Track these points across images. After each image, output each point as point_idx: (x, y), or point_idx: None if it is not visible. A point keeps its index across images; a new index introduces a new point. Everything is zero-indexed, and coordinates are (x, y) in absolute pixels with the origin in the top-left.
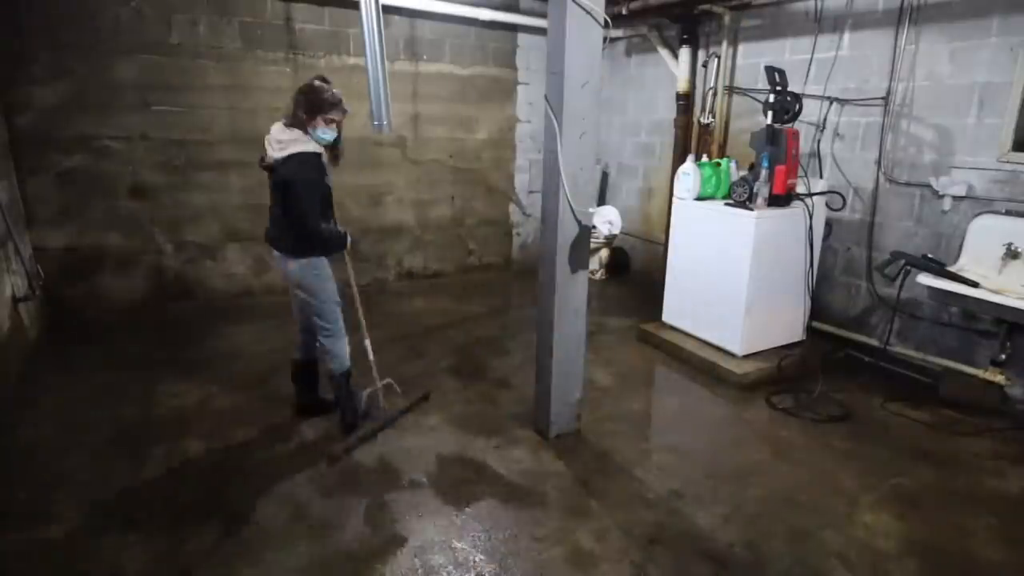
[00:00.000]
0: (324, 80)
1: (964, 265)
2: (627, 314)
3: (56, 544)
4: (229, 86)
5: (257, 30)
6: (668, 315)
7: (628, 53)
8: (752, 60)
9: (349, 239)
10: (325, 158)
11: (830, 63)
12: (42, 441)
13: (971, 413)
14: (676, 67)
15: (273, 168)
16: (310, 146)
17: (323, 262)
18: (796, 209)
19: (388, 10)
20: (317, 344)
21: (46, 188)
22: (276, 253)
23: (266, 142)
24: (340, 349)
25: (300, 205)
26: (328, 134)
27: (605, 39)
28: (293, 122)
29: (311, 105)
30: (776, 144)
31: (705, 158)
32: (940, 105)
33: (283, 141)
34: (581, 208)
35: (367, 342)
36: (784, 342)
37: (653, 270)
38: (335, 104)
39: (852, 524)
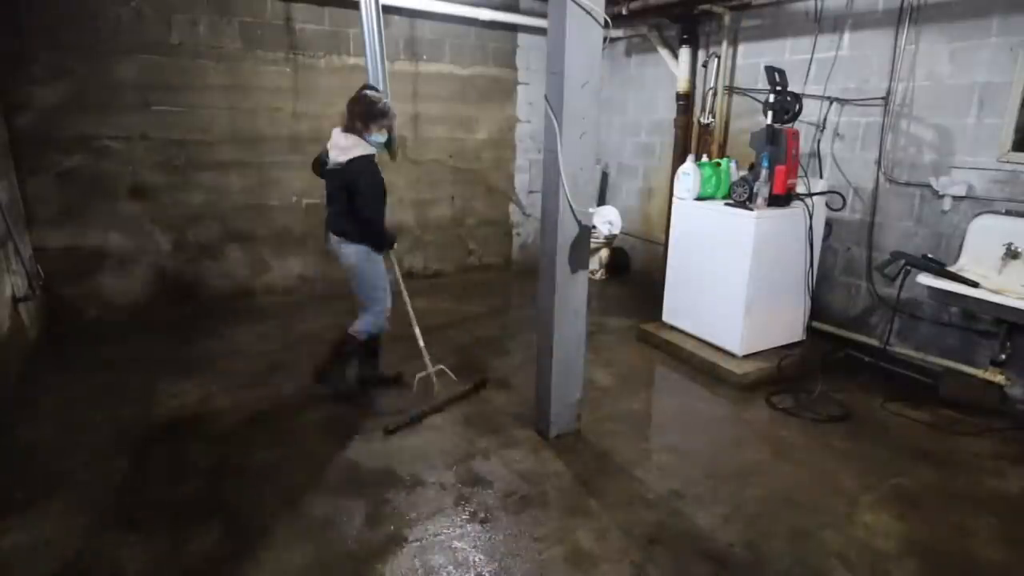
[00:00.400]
0: (373, 88)
1: (964, 265)
2: (627, 314)
3: (56, 544)
4: (229, 86)
5: (257, 30)
6: (668, 315)
7: (628, 53)
8: (752, 60)
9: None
10: (377, 158)
11: (830, 63)
12: (42, 441)
13: (971, 413)
14: (676, 67)
15: (336, 171)
16: (368, 149)
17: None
18: (796, 209)
19: (388, 10)
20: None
21: (46, 188)
22: (335, 239)
23: (329, 147)
24: (367, 324)
25: (367, 202)
26: (381, 137)
27: (605, 39)
28: (351, 129)
29: (366, 115)
30: (776, 144)
31: (705, 158)
32: (940, 105)
33: (345, 147)
34: (581, 208)
35: (416, 330)
36: (784, 342)
37: (653, 270)
38: (386, 113)
39: (852, 524)
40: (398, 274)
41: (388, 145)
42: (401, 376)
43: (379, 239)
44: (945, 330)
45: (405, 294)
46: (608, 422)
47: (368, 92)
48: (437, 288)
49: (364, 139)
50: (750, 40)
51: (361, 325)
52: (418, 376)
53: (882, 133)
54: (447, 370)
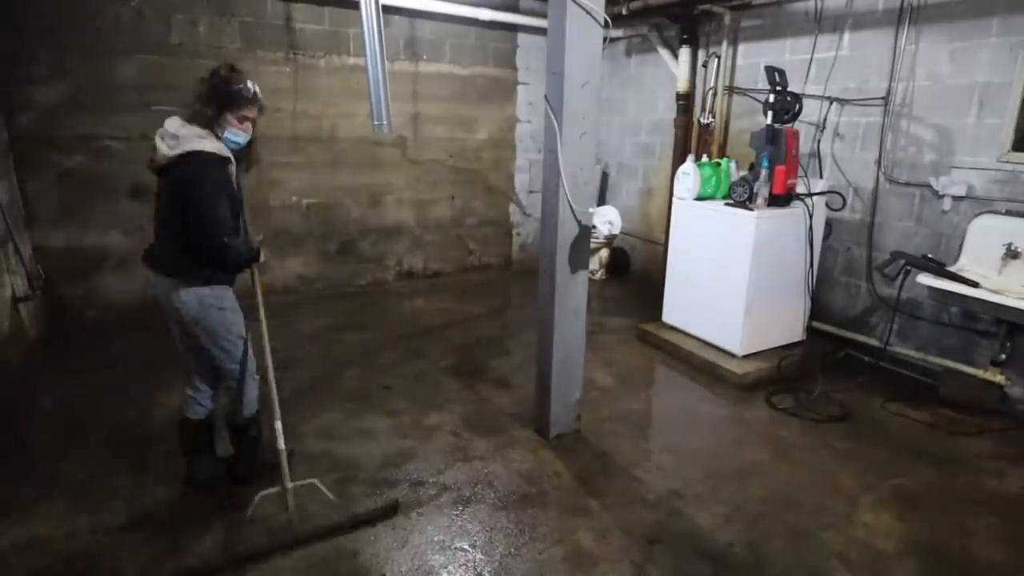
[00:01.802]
0: (234, 69)
1: (964, 265)
2: (627, 314)
3: (56, 543)
4: None
5: (257, 30)
6: (668, 315)
7: (628, 53)
8: (752, 60)
9: (262, 254)
10: (233, 164)
11: (830, 63)
12: (42, 441)
13: (971, 413)
14: (676, 67)
15: (164, 169)
16: (214, 145)
17: (228, 292)
18: (796, 209)
19: (388, 10)
20: (220, 390)
21: (46, 188)
22: (155, 277)
23: (158, 137)
24: (252, 390)
25: (203, 213)
26: (240, 136)
27: (605, 39)
28: (194, 118)
29: (221, 99)
30: (776, 144)
31: (705, 158)
32: (940, 105)
33: (179, 137)
34: (581, 208)
35: (278, 424)
36: (784, 342)
37: (653, 270)
38: (249, 99)
39: (852, 524)
40: (261, 314)
41: (248, 147)
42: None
43: (232, 263)
44: (945, 330)
45: (266, 338)
46: (608, 422)
47: (225, 69)
48: (437, 288)
49: (217, 133)
50: (750, 40)
51: (248, 402)
52: (260, 495)
53: (882, 133)
54: (320, 486)
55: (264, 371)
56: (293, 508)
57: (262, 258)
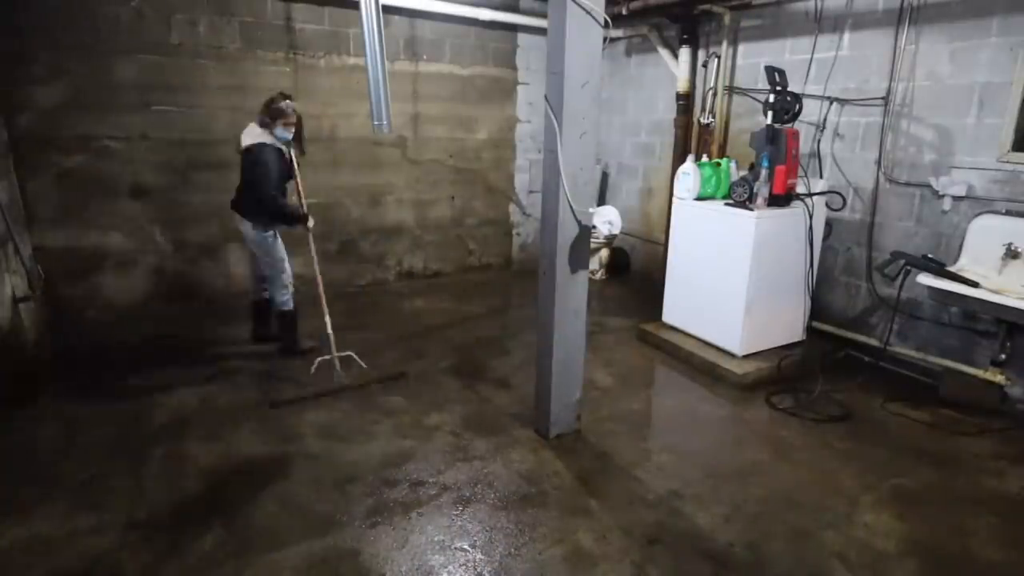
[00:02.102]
0: (285, 96)
1: (964, 265)
2: (627, 314)
3: (57, 543)
4: (229, 86)
5: (257, 30)
6: (668, 315)
7: (628, 53)
8: (752, 60)
9: (310, 220)
10: (287, 150)
11: (830, 63)
12: (42, 441)
13: (971, 413)
14: (676, 67)
15: (241, 154)
16: (267, 139)
17: (276, 233)
18: (796, 209)
19: (388, 10)
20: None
21: (46, 188)
22: (238, 217)
23: (242, 135)
24: (285, 295)
25: (260, 182)
26: (287, 133)
27: (605, 39)
28: (261, 123)
29: (270, 113)
30: (776, 144)
31: (705, 158)
32: (940, 105)
33: (250, 134)
34: (581, 208)
35: (327, 318)
36: (784, 342)
37: (653, 270)
38: (284, 112)
39: (852, 524)
40: (313, 253)
41: (297, 141)
42: (314, 350)
43: (277, 214)
44: (945, 330)
45: (319, 277)
46: (608, 422)
47: (276, 97)
48: (437, 288)
49: (271, 132)
50: (750, 40)
51: (280, 297)
52: (318, 360)
53: (882, 133)
54: (355, 356)
55: (316, 286)
56: (339, 368)
57: (310, 223)
